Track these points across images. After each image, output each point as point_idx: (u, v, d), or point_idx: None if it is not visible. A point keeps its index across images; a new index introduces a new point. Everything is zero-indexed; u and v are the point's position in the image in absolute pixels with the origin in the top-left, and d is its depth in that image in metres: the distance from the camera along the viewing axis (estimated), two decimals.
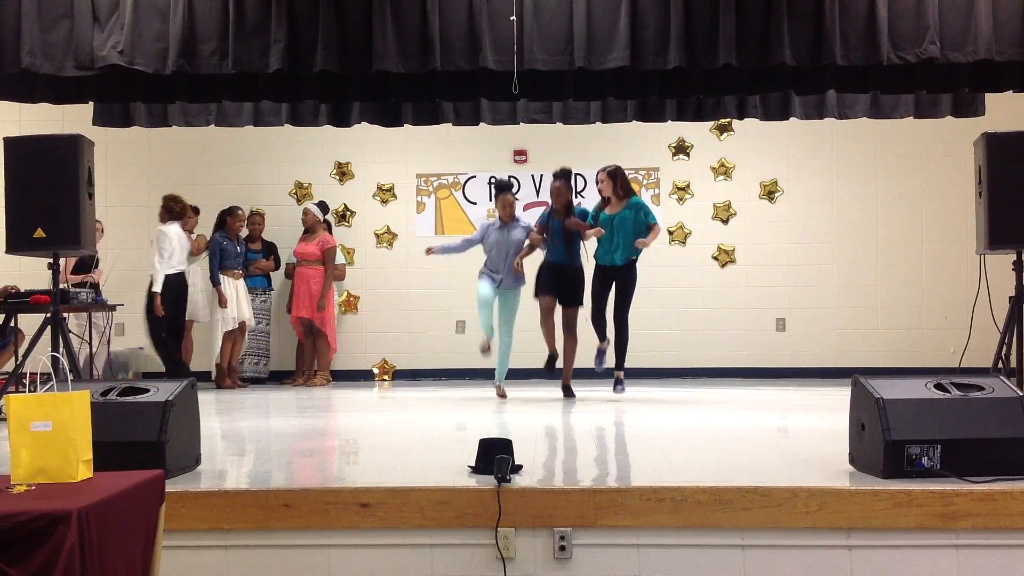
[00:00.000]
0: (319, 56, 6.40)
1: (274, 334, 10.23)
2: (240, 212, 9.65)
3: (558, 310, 8.00)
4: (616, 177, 7.93)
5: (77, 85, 6.98)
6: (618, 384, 7.95)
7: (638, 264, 8.01)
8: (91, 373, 8.12)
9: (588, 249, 8.07)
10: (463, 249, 8.37)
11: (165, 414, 3.99)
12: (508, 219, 8.13)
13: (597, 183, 8.06)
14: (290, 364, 10.16)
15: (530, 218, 10.18)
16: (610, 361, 8.04)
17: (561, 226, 7.91)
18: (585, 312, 8.02)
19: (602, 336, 7.95)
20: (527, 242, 8.06)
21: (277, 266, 10.11)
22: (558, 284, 7.92)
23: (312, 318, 9.65)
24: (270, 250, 10.07)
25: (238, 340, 9.50)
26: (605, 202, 7.98)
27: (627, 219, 7.82)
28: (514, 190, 8.45)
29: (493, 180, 10.08)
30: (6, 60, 6.42)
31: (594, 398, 7.85)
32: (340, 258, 10.22)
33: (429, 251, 8.39)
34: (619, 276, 7.89)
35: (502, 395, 8.08)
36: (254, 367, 9.98)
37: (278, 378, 10.09)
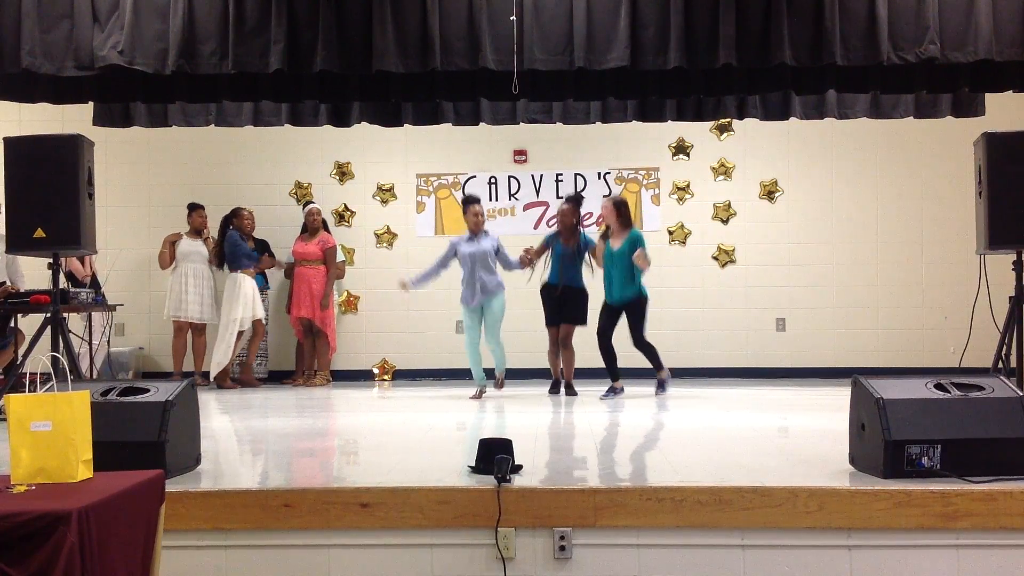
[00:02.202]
0: (319, 56, 6.40)
1: (272, 334, 10.23)
2: (245, 212, 9.67)
3: None
4: (620, 207, 7.95)
5: (77, 85, 6.99)
6: (660, 386, 8.01)
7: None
8: (91, 373, 8.11)
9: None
10: (439, 272, 8.24)
11: (165, 414, 3.99)
12: (477, 230, 8.14)
13: (600, 210, 8.07)
14: (290, 364, 10.16)
15: (529, 218, 10.27)
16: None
17: (565, 249, 8.03)
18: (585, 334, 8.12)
19: (614, 376, 7.96)
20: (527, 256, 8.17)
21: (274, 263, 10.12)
22: (559, 305, 8.06)
23: (312, 318, 9.65)
24: (263, 248, 10.08)
25: (256, 338, 9.52)
26: (607, 232, 8.02)
27: (624, 254, 7.82)
28: (481, 202, 8.47)
29: (484, 182, 10.09)
30: (6, 60, 6.42)
31: (594, 398, 7.85)
32: (340, 257, 10.21)
33: (404, 286, 8.25)
34: (626, 310, 7.90)
35: (500, 386, 8.23)
36: (259, 367, 9.96)
37: (278, 378, 10.08)
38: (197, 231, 9.78)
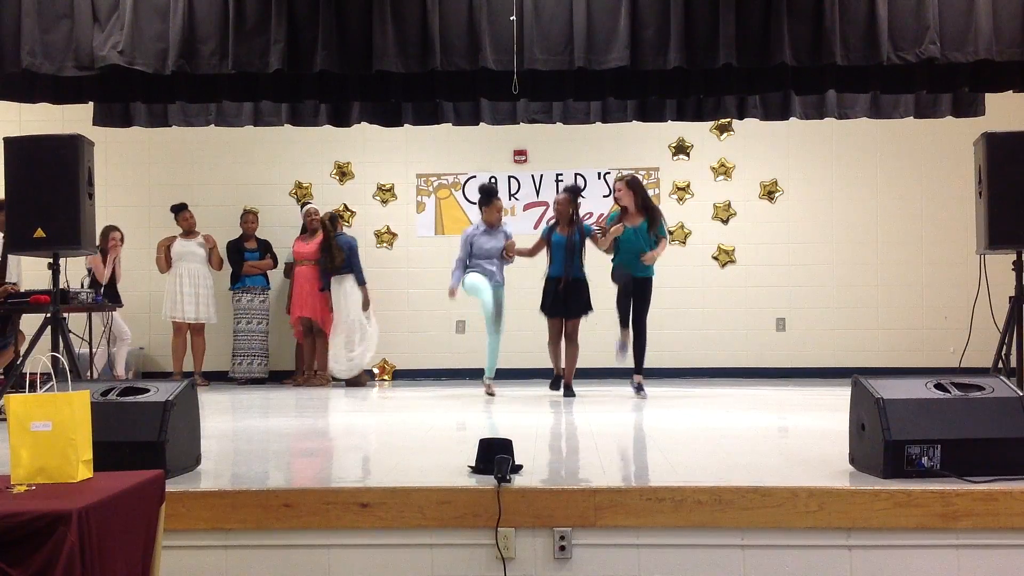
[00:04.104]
0: (319, 56, 6.40)
1: (272, 334, 10.23)
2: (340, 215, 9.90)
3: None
4: (636, 188, 7.89)
5: (77, 85, 6.98)
6: (639, 389, 7.95)
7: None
8: (91, 373, 8.12)
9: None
10: (463, 270, 8.17)
11: (165, 414, 3.99)
12: (498, 224, 8.16)
13: (615, 192, 7.99)
14: (290, 364, 10.16)
15: (529, 218, 10.27)
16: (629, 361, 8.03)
17: (563, 240, 7.97)
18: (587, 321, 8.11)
19: (625, 324, 7.91)
20: (506, 248, 8.15)
21: (275, 264, 10.12)
22: (563, 299, 7.98)
23: (314, 317, 9.65)
24: (266, 248, 10.09)
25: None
26: (623, 212, 7.89)
27: (645, 231, 7.80)
28: (499, 193, 8.48)
29: (487, 182, 10.05)
30: (6, 60, 6.43)
31: (594, 398, 7.85)
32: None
33: (453, 293, 8.25)
34: (640, 286, 7.89)
35: (491, 393, 8.12)
36: (251, 367, 9.98)
37: (278, 378, 10.09)
38: (188, 231, 9.82)
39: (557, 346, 8.16)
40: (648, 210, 7.87)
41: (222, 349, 10.11)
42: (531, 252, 8.24)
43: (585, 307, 8.00)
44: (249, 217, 10.07)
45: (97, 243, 9.20)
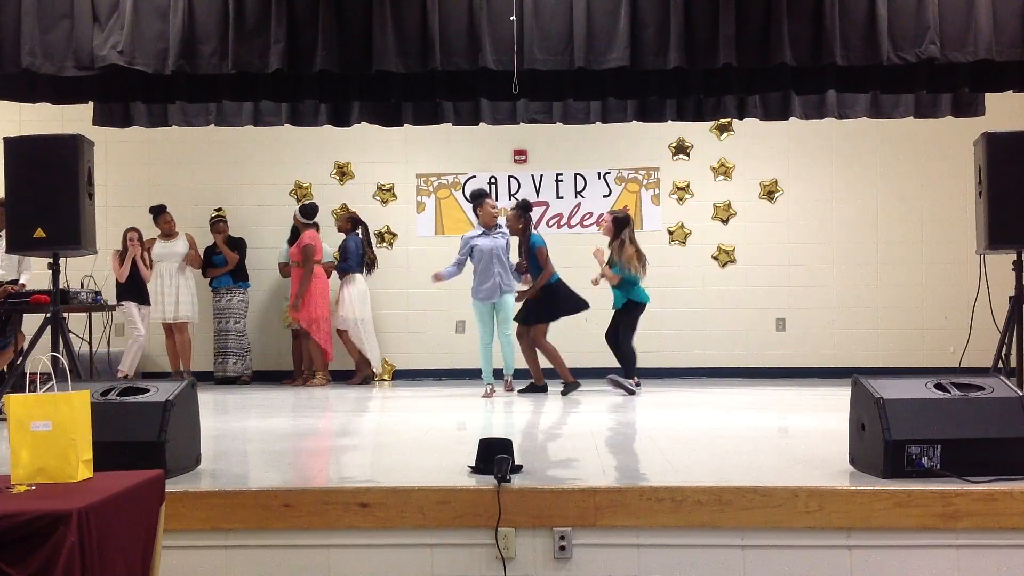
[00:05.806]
0: (319, 56, 6.40)
1: (262, 333, 10.26)
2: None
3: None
4: (619, 227, 8.15)
5: (77, 85, 6.98)
6: (625, 389, 8.10)
7: None
8: (91, 373, 8.11)
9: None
10: (460, 271, 8.39)
11: (165, 414, 3.99)
12: (493, 224, 8.26)
13: (600, 223, 8.17)
14: (289, 364, 10.16)
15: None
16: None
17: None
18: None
19: (627, 373, 8.19)
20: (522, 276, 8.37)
21: (237, 257, 10.02)
22: (524, 305, 8.32)
23: (296, 319, 9.64)
24: (234, 246, 10.07)
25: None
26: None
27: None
28: (490, 195, 8.68)
29: (479, 186, 10.06)
30: (6, 60, 6.42)
31: (594, 398, 7.85)
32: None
33: (437, 277, 8.42)
34: (616, 312, 8.21)
35: (509, 389, 8.30)
36: (235, 367, 9.97)
37: (276, 378, 10.08)
38: (168, 234, 9.86)
39: (522, 347, 8.31)
40: (617, 244, 8.13)
41: (212, 349, 10.12)
42: (547, 270, 8.28)
43: (530, 317, 8.19)
44: (220, 226, 10.06)
45: (120, 245, 9.39)
